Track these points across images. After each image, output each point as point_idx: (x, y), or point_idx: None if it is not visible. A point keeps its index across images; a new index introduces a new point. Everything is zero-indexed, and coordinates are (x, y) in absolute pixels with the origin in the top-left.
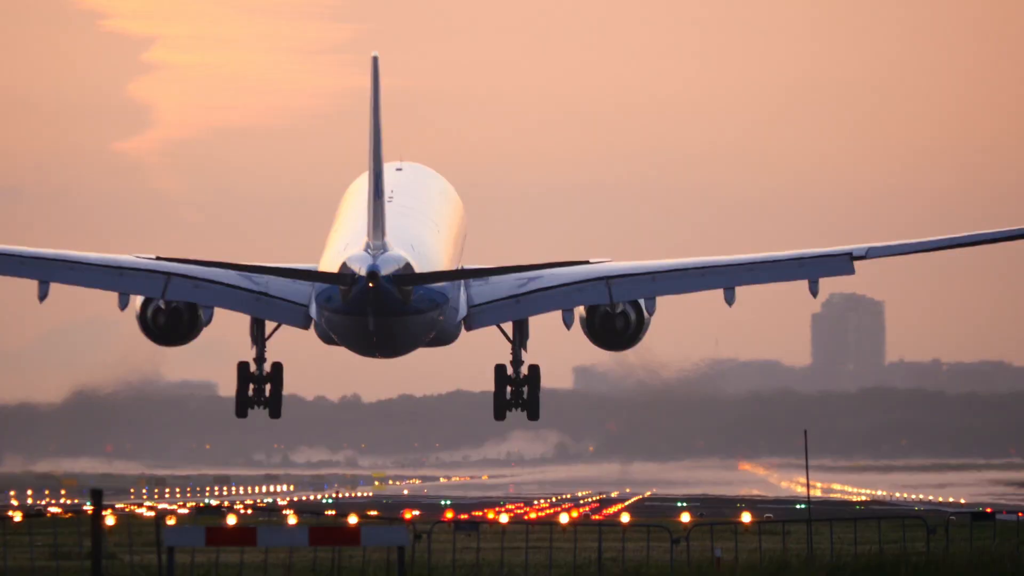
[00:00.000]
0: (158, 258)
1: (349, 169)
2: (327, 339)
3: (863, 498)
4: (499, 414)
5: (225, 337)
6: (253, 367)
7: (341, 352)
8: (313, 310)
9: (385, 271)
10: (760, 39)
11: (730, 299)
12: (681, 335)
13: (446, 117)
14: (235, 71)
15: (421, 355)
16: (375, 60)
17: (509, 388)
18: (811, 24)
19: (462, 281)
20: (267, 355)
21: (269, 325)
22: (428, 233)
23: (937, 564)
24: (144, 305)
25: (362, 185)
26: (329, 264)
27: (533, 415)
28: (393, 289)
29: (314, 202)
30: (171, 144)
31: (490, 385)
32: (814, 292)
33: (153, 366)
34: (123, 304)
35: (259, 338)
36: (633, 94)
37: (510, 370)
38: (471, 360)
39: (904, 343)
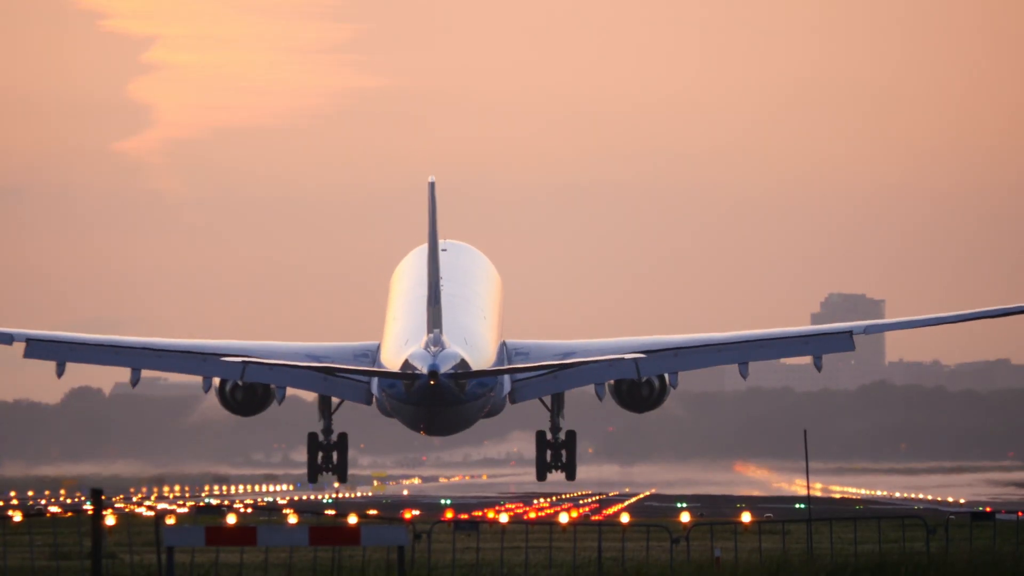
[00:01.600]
0: (246, 362)
1: (349, 169)
2: (387, 414)
3: (862, 494)
4: (541, 475)
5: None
6: (321, 437)
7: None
8: (374, 388)
9: (444, 369)
10: (761, 40)
11: (744, 373)
12: (681, 335)
13: (446, 117)
14: (235, 71)
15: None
16: (431, 185)
17: (549, 452)
18: (811, 26)
19: (506, 356)
20: (332, 427)
21: (334, 401)
22: (477, 323)
23: (939, 564)
24: (223, 383)
25: (411, 268)
26: (391, 357)
27: (571, 476)
28: (451, 384)
29: (313, 201)
30: (171, 144)
31: None
32: (818, 367)
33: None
34: (206, 387)
35: (326, 412)
36: (634, 94)
37: (549, 436)
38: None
39: (904, 343)
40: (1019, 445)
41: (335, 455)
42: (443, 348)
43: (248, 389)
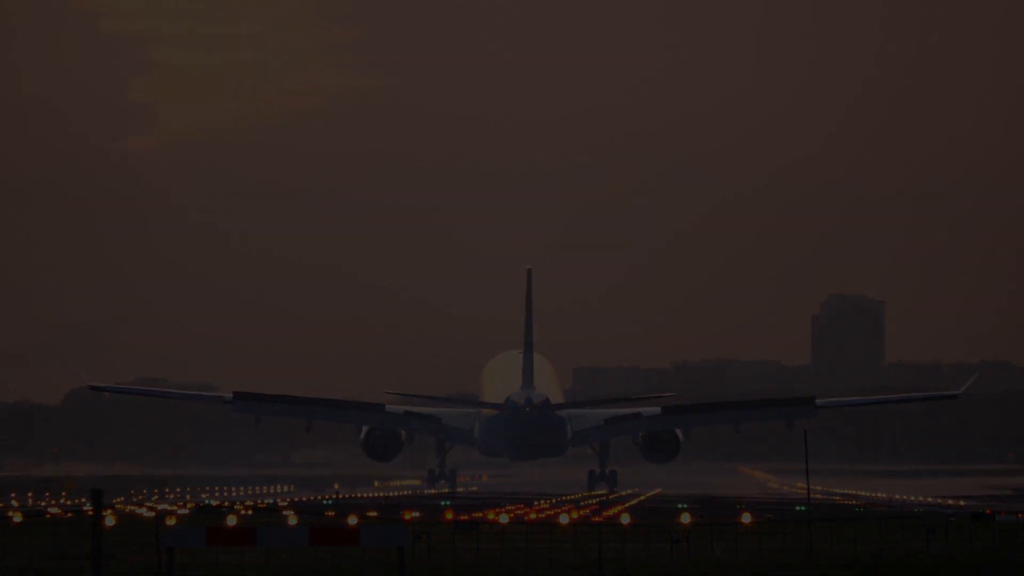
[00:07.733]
0: (383, 413)
1: (348, 170)
2: (488, 452)
3: (863, 494)
4: None
5: (224, 343)
6: (437, 471)
7: (338, 354)
8: (476, 432)
9: (536, 402)
10: (761, 40)
11: (739, 430)
12: (681, 336)
13: (446, 116)
14: (235, 71)
15: (421, 357)
16: (529, 272)
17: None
18: (811, 26)
19: (567, 415)
20: (446, 464)
21: (447, 444)
22: (552, 387)
23: (943, 564)
24: (368, 432)
25: (499, 365)
26: (495, 399)
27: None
28: (539, 414)
29: (314, 201)
30: (171, 144)
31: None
32: (791, 427)
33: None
34: (359, 429)
35: (440, 452)
36: (632, 94)
37: (598, 472)
38: (471, 363)
39: (903, 345)
40: (1019, 446)
41: (446, 488)
42: (534, 389)
43: (384, 436)
